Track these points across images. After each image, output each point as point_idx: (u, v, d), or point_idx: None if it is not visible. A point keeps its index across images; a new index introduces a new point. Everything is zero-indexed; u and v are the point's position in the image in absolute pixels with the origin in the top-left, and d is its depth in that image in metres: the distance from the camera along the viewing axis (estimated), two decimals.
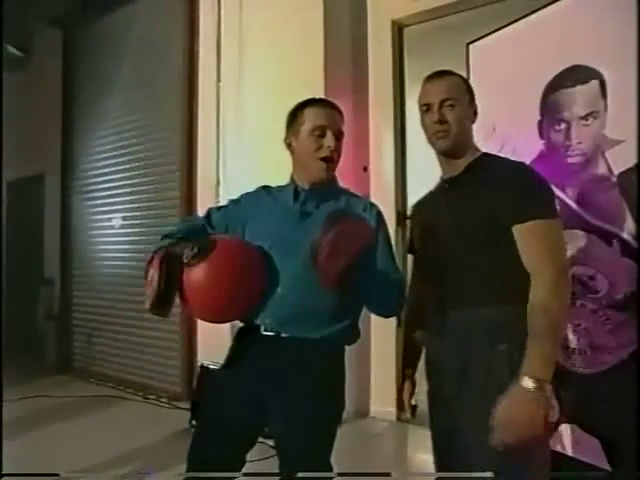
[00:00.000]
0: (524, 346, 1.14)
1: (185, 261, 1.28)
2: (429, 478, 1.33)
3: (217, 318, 1.42)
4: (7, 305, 5.20)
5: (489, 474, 1.11)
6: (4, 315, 4.69)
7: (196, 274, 1.28)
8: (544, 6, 1.94)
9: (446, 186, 1.33)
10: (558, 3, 1.89)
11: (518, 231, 1.18)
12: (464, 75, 1.34)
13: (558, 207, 1.75)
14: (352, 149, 3.22)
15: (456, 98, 1.26)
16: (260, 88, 3.44)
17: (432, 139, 1.29)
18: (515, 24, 2.09)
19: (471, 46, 2.30)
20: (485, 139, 2.09)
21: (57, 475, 1.53)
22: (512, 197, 1.17)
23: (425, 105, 1.29)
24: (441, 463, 1.32)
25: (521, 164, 1.30)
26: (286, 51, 3.34)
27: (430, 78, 1.31)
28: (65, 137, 4.95)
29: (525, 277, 1.20)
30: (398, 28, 3.35)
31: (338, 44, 3.32)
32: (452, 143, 1.27)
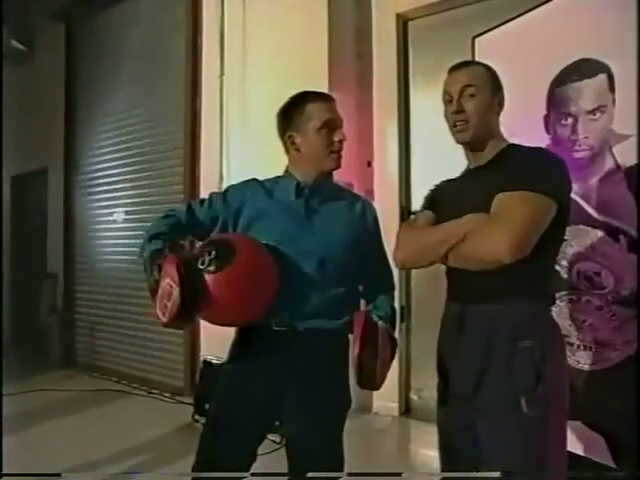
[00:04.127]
0: (545, 343, 1.15)
1: (202, 267, 1.20)
2: (437, 477, 1.32)
3: (238, 322, 1.39)
4: (11, 299, 5.24)
5: (496, 474, 1.10)
6: (5, 309, 4.72)
7: (219, 280, 1.20)
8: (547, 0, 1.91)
9: (473, 176, 1.29)
10: None
11: (498, 198, 1.13)
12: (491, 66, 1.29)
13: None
14: (356, 144, 3.20)
15: (476, 86, 1.21)
16: (264, 82, 3.42)
17: (452, 130, 1.26)
18: (521, 17, 2.06)
19: (477, 40, 2.28)
20: None
21: (58, 475, 1.53)
22: (521, 179, 1.13)
23: (447, 94, 1.26)
24: (449, 461, 1.30)
25: (540, 149, 1.25)
26: (290, 45, 3.31)
27: (453, 68, 1.28)
28: (68, 132, 4.94)
29: (550, 273, 1.22)
30: (403, 22, 3.32)
31: (342, 38, 3.29)
32: (472, 135, 1.22)
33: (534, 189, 1.10)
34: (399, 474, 1.67)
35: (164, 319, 1.18)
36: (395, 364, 3.42)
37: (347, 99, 3.20)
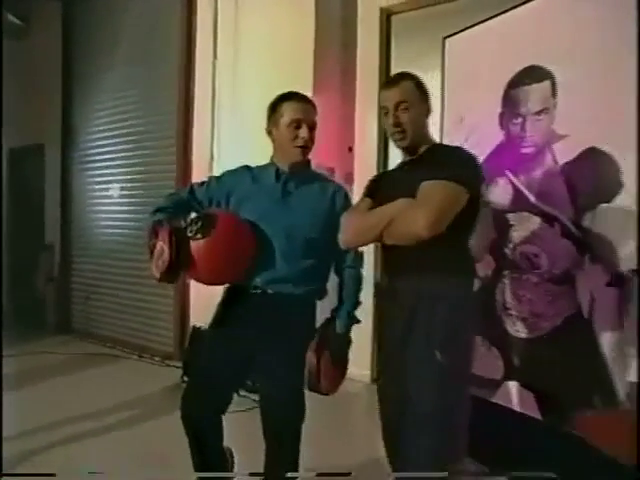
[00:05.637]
0: (458, 310, 1.40)
1: (189, 235, 1.50)
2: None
3: (218, 282, 1.68)
4: (10, 269, 5.41)
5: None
6: (4, 279, 4.90)
7: (202, 246, 1.49)
8: (516, 6, 2.10)
9: (405, 168, 1.54)
10: (528, 4, 2.05)
11: (421, 185, 1.33)
12: (419, 77, 1.52)
13: (509, 193, 2.02)
14: (338, 130, 3.42)
15: (408, 101, 1.45)
16: (254, 67, 3.59)
17: (392, 138, 1.50)
18: (488, 21, 2.26)
19: (447, 40, 2.48)
20: (453, 129, 2.31)
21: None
22: (441, 171, 1.36)
23: (384, 108, 1.49)
24: (382, 412, 1.53)
25: (459, 148, 1.51)
26: (279, 32, 3.48)
27: (386, 84, 1.52)
28: (65, 108, 5.06)
29: (465, 253, 1.46)
30: (387, 15, 3.50)
31: (329, 28, 3.47)
32: (409, 142, 1.46)
33: (450, 178, 1.34)
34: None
35: (157, 274, 1.51)
36: (368, 335, 3.66)
37: (332, 88, 3.40)
